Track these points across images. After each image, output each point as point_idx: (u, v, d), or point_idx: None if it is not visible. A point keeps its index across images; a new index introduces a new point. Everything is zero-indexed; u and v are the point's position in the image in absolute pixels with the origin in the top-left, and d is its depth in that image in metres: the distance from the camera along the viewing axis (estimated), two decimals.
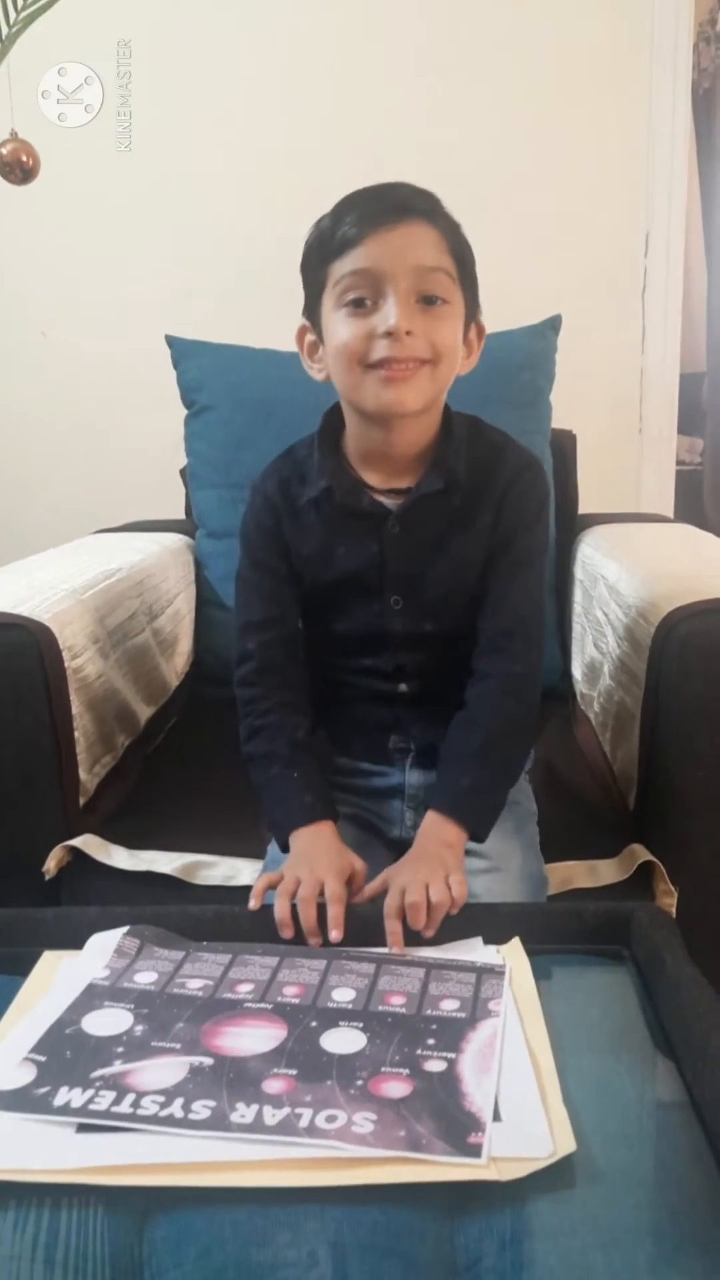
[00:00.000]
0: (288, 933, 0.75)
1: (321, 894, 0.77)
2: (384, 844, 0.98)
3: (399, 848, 0.95)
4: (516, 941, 0.72)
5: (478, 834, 0.87)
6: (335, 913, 0.76)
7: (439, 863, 0.80)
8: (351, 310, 0.87)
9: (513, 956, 0.70)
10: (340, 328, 0.88)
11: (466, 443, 0.95)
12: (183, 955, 0.70)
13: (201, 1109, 0.54)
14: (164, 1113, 0.54)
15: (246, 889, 0.94)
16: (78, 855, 0.99)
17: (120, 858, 0.99)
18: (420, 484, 0.94)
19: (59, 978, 0.68)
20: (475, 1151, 0.52)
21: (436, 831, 0.86)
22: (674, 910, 0.89)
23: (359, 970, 0.69)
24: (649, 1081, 0.61)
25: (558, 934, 0.73)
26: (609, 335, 1.92)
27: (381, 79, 1.82)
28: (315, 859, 0.83)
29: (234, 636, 1.01)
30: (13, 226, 1.87)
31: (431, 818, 0.87)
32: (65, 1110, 0.54)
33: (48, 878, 0.97)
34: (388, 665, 0.98)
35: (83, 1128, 0.53)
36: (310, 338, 0.95)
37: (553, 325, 1.50)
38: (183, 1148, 0.52)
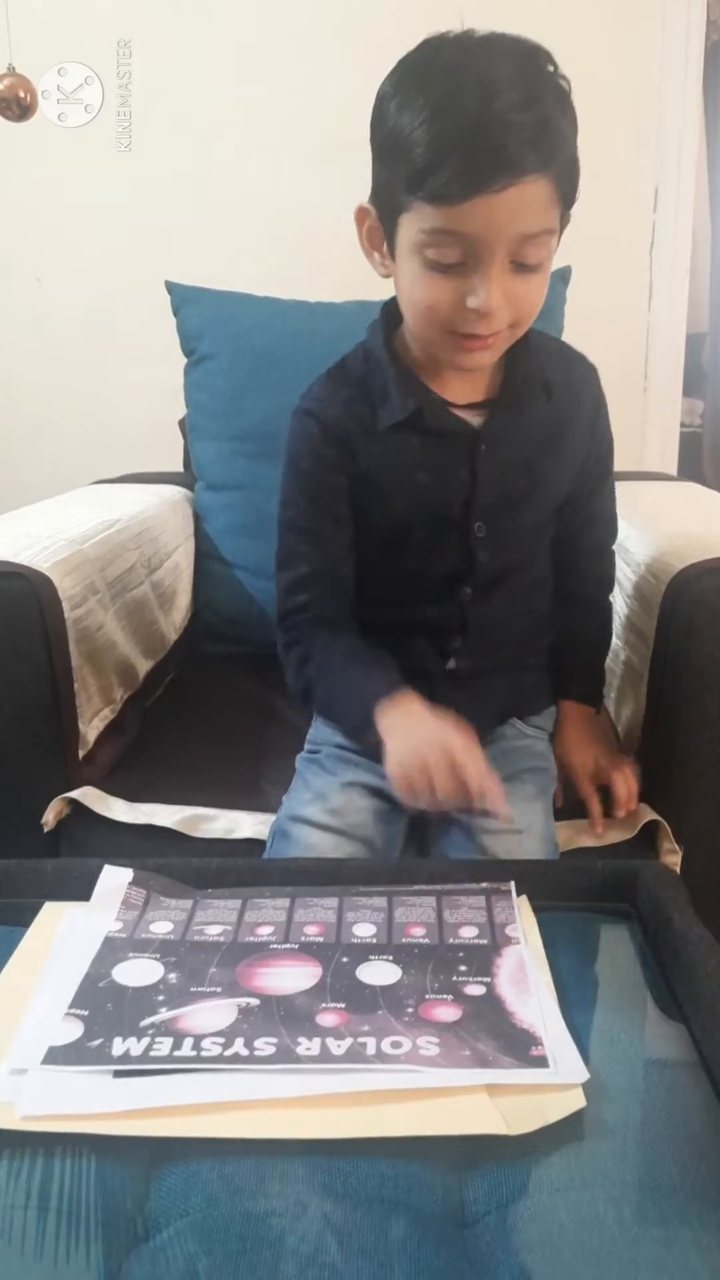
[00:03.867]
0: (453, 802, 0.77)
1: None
2: (399, 811, 0.96)
3: (414, 825, 0.94)
4: (523, 899, 0.71)
5: (598, 706, 1.04)
6: (489, 784, 0.77)
7: (610, 747, 0.99)
8: (436, 266, 0.77)
9: (519, 914, 0.70)
10: (421, 282, 0.78)
11: (534, 351, 0.89)
12: (192, 903, 0.69)
13: (265, 1046, 0.54)
14: (228, 1052, 0.54)
15: (246, 842, 0.94)
16: (77, 808, 0.98)
17: (120, 810, 0.98)
18: (506, 396, 0.88)
19: (64, 929, 0.67)
20: (541, 1063, 0.53)
21: (584, 715, 1.01)
22: (678, 868, 0.89)
23: (372, 905, 0.68)
24: (656, 1038, 0.61)
25: (564, 891, 0.72)
26: (615, 292, 1.89)
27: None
28: (417, 727, 0.80)
29: (278, 579, 0.93)
30: (6, 168, 1.82)
31: (574, 706, 1.01)
32: (125, 1059, 0.53)
33: (46, 830, 0.97)
34: (453, 619, 0.93)
35: (119, 1074, 0.53)
36: (372, 224, 0.83)
37: (562, 277, 1.47)
38: (249, 1084, 0.52)
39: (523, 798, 0.90)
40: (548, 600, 1.02)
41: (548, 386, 0.91)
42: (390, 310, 0.90)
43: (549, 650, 1.03)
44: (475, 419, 0.89)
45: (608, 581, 1.07)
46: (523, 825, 0.89)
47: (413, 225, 0.77)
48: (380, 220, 0.81)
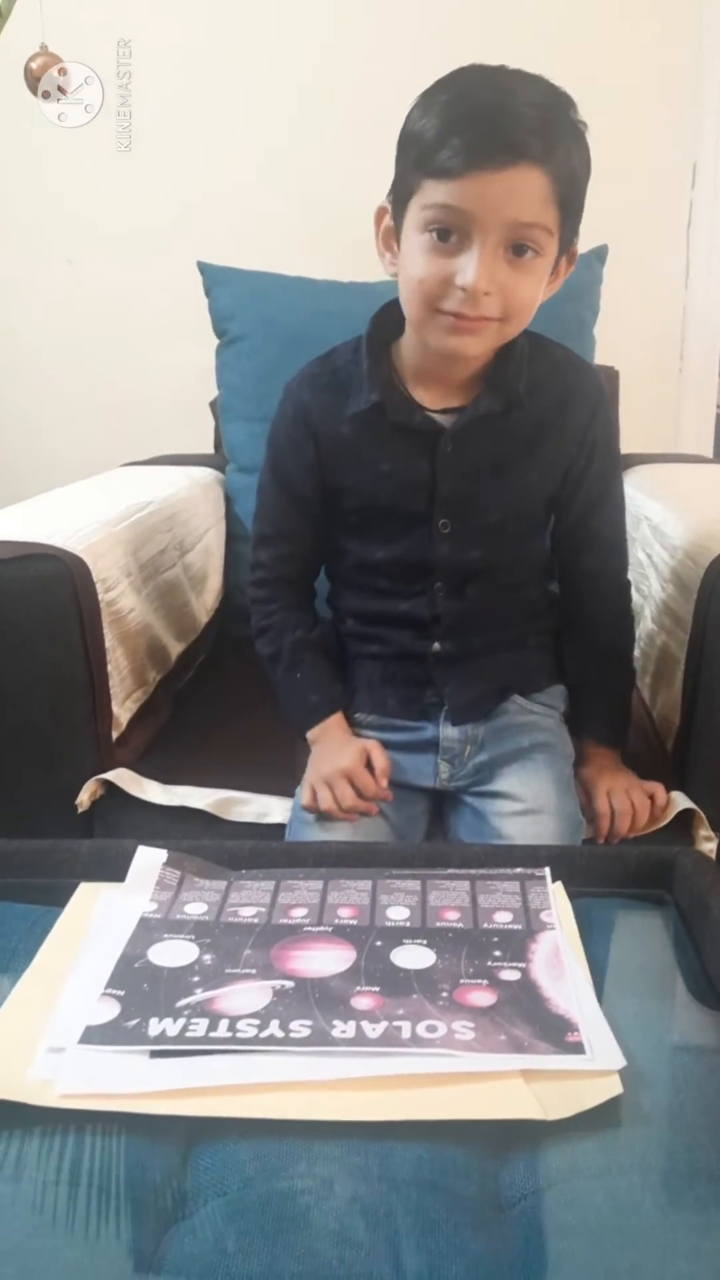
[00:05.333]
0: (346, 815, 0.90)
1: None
2: (417, 793, 0.97)
3: (435, 796, 0.95)
4: (558, 884, 0.71)
5: (623, 747, 0.99)
6: (365, 782, 0.90)
7: (627, 773, 0.95)
8: (432, 241, 0.80)
9: (554, 899, 0.70)
10: (417, 256, 0.82)
11: (528, 360, 0.91)
12: (226, 884, 0.70)
13: (300, 1028, 0.54)
14: (264, 1034, 0.54)
15: (278, 826, 0.95)
16: (110, 790, 0.99)
17: (154, 792, 0.98)
18: (477, 403, 0.90)
19: (99, 909, 0.67)
20: (578, 1049, 0.53)
21: (601, 755, 0.98)
22: (714, 855, 0.88)
23: (406, 888, 0.68)
24: (693, 1025, 0.60)
25: (599, 878, 0.72)
26: (652, 270, 1.86)
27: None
28: (328, 758, 0.93)
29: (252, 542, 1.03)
30: (38, 149, 1.82)
31: (590, 743, 0.98)
32: (162, 1039, 0.54)
33: (81, 810, 0.97)
34: (425, 612, 0.95)
35: (155, 1054, 0.53)
36: (389, 223, 0.87)
37: (599, 256, 1.45)
38: (284, 1066, 0.52)
39: (534, 776, 0.91)
40: (538, 592, 1.02)
41: (528, 390, 0.91)
42: (394, 309, 0.91)
43: (571, 689, 1.03)
44: (448, 419, 0.91)
45: (627, 629, 1.03)
46: (536, 805, 0.90)
47: (418, 204, 0.81)
48: (393, 215, 0.86)
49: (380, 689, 0.99)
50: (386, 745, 0.97)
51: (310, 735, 0.98)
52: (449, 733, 0.96)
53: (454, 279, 0.80)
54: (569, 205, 0.82)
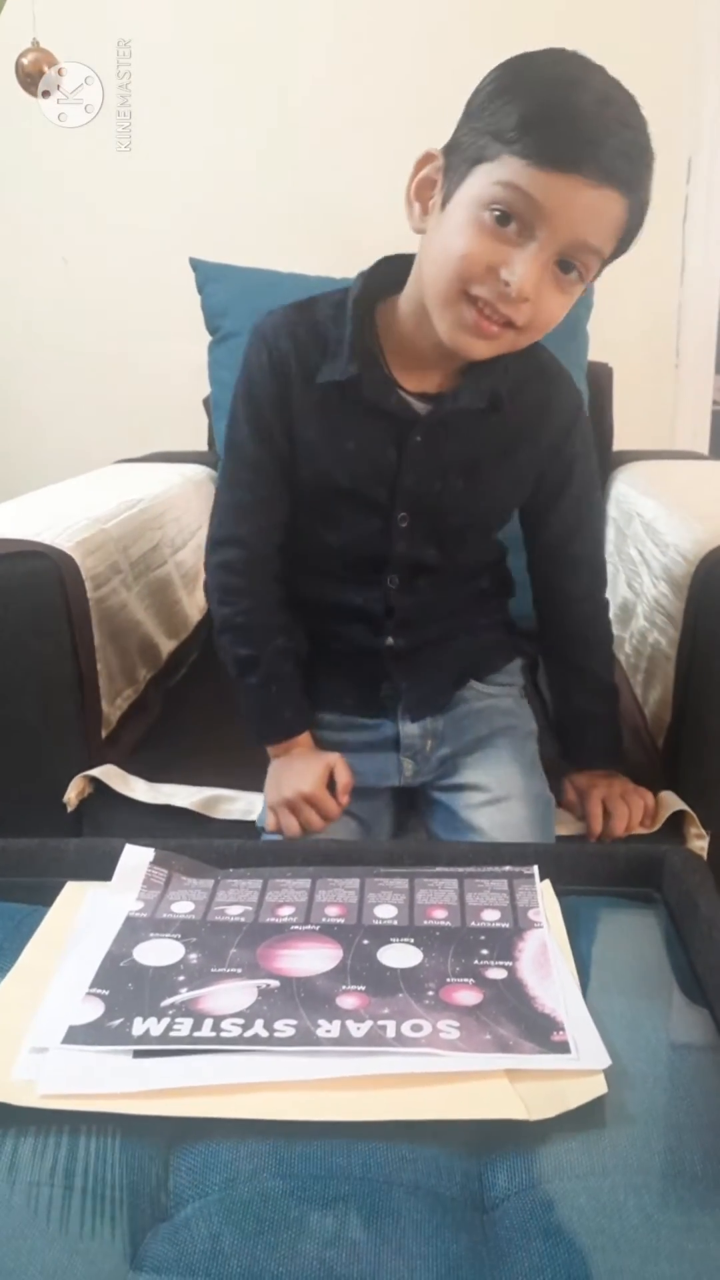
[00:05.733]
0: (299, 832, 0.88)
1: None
2: (383, 796, 0.96)
3: (400, 794, 0.96)
4: (546, 883, 0.70)
5: (618, 765, 0.97)
6: (327, 807, 0.87)
7: (622, 779, 0.94)
8: (490, 221, 0.74)
9: (542, 898, 0.69)
10: (468, 230, 0.75)
11: (512, 359, 0.85)
12: (213, 883, 0.69)
13: (285, 1028, 0.54)
14: (248, 1033, 0.54)
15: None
16: (99, 789, 0.98)
17: (140, 790, 0.98)
18: (458, 395, 0.85)
19: (86, 909, 0.67)
20: (563, 1048, 0.53)
21: (594, 776, 0.96)
22: (705, 853, 0.88)
23: (394, 886, 0.68)
24: (680, 1024, 0.60)
25: (588, 876, 0.72)
26: (646, 267, 1.85)
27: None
28: (290, 779, 0.89)
29: (215, 509, 0.92)
30: (34, 148, 1.81)
31: (584, 771, 0.96)
32: (145, 1039, 0.53)
33: (70, 809, 0.97)
34: (378, 607, 0.92)
35: (139, 1054, 0.53)
36: (432, 175, 0.79)
37: None
38: (268, 1066, 0.52)
39: (497, 762, 0.91)
40: (490, 579, 0.99)
41: (507, 395, 0.86)
42: (386, 270, 0.86)
43: (559, 721, 1.01)
44: (423, 406, 0.85)
45: (609, 650, 1.01)
46: (502, 792, 0.89)
47: (489, 176, 0.74)
48: (445, 171, 0.78)
49: (337, 688, 0.96)
50: (347, 746, 0.94)
51: (273, 749, 0.94)
52: (409, 729, 0.95)
53: (499, 270, 0.74)
54: (624, 242, 0.78)
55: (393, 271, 0.86)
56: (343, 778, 0.89)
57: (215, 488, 0.96)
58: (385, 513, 0.88)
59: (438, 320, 0.79)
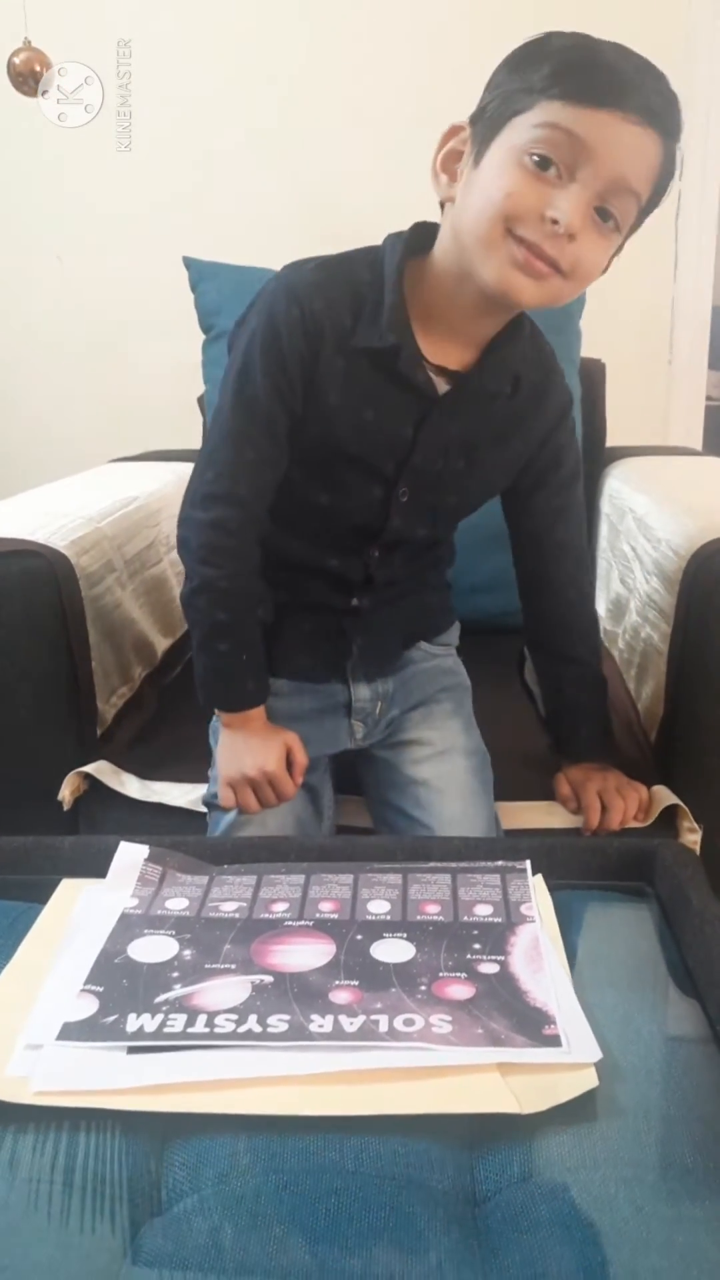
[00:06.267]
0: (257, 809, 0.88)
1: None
2: (325, 760, 0.97)
3: (345, 757, 0.98)
4: (539, 877, 0.71)
5: (610, 757, 0.98)
6: (286, 787, 0.87)
7: (616, 773, 0.95)
8: (530, 165, 0.73)
9: (534, 892, 0.70)
10: (508, 172, 0.74)
11: (526, 343, 0.87)
12: (208, 879, 0.70)
13: (278, 1023, 0.54)
14: (242, 1029, 0.54)
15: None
16: (94, 787, 0.99)
17: (133, 787, 0.98)
18: (482, 375, 0.84)
19: (81, 906, 0.67)
20: (554, 1042, 0.53)
21: (588, 770, 0.96)
22: (698, 847, 0.88)
23: (387, 881, 0.69)
24: (671, 1018, 0.60)
25: (580, 870, 0.72)
26: (639, 262, 1.84)
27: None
28: (249, 753, 0.88)
29: (209, 461, 0.86)
30: (28, 145, 1.81)
31: (577, 764, 0.97)
32: (140, 1035, 0.54)
33: (65, 807, 0.97)
34: (356, 575, 0.91)
35: (133, 1050, 0.53)
36: (458, 147, 0.79)
37: None
38: (261, 1061, 0.52)
39: (441, 716, 0.95)
40: (446, 546, 1.01)
41: (517, 380, 0.87)
42: (419, 235, 0.84)
43: (549, 712, 1.02)
44: (442, 385, 0.85)
45: (597, 639, 1.02)
46: (444, 746, 0.93)
47: (527, 123, 0.74)
48: (474, 137, 0.78)
49: (292, 649, 0.94)
50: (298, 713, 0.94)
51: (228, 718, 0.91)
52: (361, 692, 0.95)
53: (543, 210, 0.73)
54: (658, 190, 0.77)
55: (423, 236, 0.84)
56: (299, 758, 0.89)
57: (206, 435, 0.92)
58: (388, 485, 0.87)
59: (483, 265, 0.77)
